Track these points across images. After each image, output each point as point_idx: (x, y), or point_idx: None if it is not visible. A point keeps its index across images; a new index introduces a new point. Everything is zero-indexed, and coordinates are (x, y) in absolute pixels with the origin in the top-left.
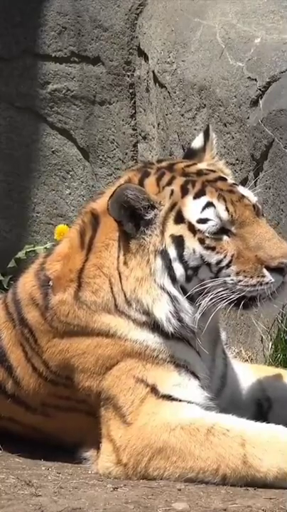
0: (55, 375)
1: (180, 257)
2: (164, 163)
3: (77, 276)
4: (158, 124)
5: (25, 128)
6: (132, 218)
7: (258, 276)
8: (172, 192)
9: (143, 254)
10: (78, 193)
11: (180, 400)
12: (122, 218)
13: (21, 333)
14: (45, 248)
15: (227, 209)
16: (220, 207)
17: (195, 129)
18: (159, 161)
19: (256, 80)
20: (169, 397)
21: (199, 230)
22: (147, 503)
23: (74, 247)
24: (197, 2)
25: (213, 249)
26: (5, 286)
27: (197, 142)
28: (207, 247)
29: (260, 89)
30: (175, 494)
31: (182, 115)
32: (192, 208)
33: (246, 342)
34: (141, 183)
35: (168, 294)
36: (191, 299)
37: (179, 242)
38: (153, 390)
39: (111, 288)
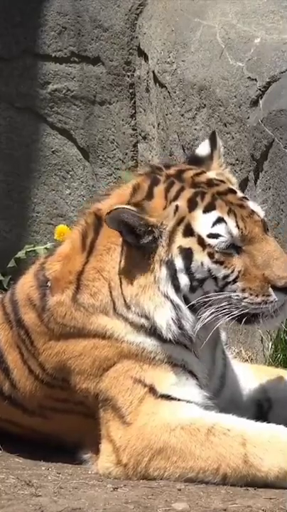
0: (52, 378)
1: (187, 269)
2: (173, 170)
3: (76, 278)
4: (158, 124)
5: (25, 128)
6: (133, 231)
7: (263, 295)
8: (177, 208)
9: (146, 263)
10: (78, 193)
11: (179, 400)
12: (122, 230)
13: (18, 335)
14: (45, 248)
15: (238, 225)
16: (231, 223)
17: (195, 129)
18: (167, 167)
19: (256, 80)
20: (167, 397)
21: (209, 244)
22: (147, 503)
23: (76, 248)
24: (197, 2)
25: (221, 263)
26: (5, 286)
27: (204, 149)
28: (216, 262)
29: (260, 89)
30: (175, 494)
31: (182, 115)
32: (203, 223)
33: (246, 342)
34: (151, 190)
35: (171, 302)
36: (193, 309)
37: (187, 254)
38: (151, 390)
39: (111, 292)
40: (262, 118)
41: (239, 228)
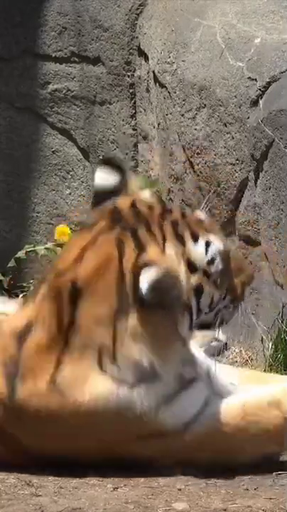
0: None
1: (198, 304)
2: (128, 207)
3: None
4: (158, 124)
5: (25, 128)
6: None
7: (241, 300)
8: (173, 248)
9: (168, 318)
10: (78, 193)
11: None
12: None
13: None
14: (46, 248)
15: (218, 239)
16: (215, 241)
17: (195, 129)
18: (117, 210)
19: (256, 80)
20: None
21: (211, 273)
22: (147, 503)
23: (52, 336)
24: (197, 2)
25: (219, 287)
26: (5, 286)
27: (107, 178)
28: (216, 287)
29: (260, 89)
30: (175, 494)
31: (183, 115)
32: (198, 254)
33: (246, 342)
34: (138, 240)
35: (184, 342)
36: None
37: (199, 290)
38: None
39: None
40: (262, 118)
41: (221, 242)
